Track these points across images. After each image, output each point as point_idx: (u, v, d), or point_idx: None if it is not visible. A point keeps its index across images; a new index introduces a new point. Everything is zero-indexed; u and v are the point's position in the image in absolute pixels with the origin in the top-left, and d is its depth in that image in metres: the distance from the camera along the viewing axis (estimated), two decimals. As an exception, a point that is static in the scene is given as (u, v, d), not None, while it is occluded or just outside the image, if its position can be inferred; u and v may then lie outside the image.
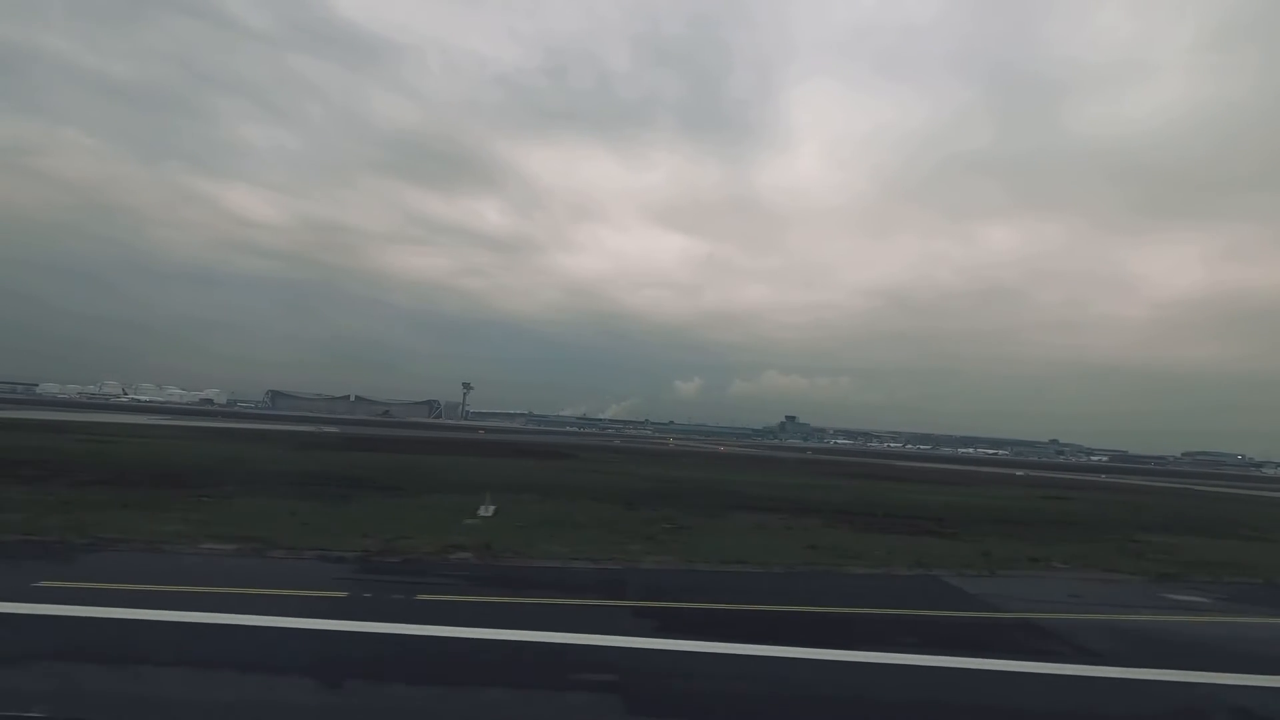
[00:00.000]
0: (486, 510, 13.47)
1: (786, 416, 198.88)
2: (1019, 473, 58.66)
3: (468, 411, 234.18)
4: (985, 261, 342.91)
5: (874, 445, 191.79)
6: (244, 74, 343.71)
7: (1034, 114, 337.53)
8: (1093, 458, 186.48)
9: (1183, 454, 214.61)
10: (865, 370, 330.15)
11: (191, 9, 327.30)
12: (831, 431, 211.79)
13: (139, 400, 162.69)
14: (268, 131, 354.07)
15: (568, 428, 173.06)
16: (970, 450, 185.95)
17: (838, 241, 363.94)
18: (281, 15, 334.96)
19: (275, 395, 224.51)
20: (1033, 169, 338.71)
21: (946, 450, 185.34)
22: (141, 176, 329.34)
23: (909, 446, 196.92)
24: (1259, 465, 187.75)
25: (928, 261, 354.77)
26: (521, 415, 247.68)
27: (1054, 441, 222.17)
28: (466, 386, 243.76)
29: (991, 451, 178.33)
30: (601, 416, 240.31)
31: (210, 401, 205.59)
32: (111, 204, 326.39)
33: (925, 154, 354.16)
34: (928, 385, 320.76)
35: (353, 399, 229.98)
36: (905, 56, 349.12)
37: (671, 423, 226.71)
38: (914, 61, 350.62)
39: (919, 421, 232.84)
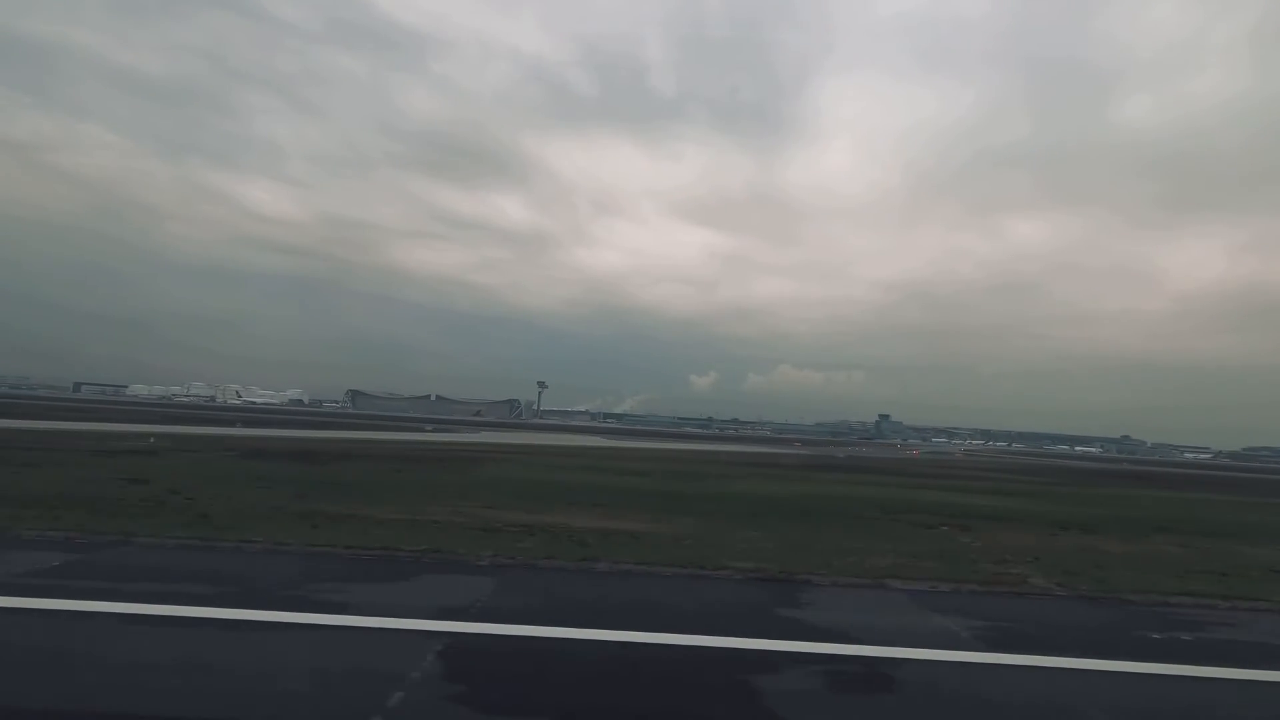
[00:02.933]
0: None
1: (880, 415, 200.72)
2: None
3: (539, 411, 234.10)
4: (1012, 255, 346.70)
5: (957, 444, 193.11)
6: (275, 68, 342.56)
7: (1070, 108, 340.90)
8: (1185, 454, 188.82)
9: (1244, 449, 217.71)
10: (879, 365, 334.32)
11: (227, 2, 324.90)
12: (900, 428, 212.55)
13: (254, 403, 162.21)
14: (294, 127, 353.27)
15: (685, 428, 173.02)
16: (1066, 448, 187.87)
17: (861, 236, 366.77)
18: (318, 8, 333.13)
19: (355, 395, 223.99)
20: (1068, 163, 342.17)
21: (1019, 447, 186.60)
22: (162, 172, 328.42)
23: (991, 444, 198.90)
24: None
25: (950, 256, 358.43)
26: (582, 413, 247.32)
27: (1125, 438, 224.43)
28: (541, 385, 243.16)
29: (1087, 449, 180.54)
30: (677, 414, 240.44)
31: (300, 402, 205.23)
32: (130, 200, 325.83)
33: (958, 148, 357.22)
34: (944, 380, 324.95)
35: (434, 398, 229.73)
36: (943, 50, 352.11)
37: (739, 421, 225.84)
38: (951, 55, 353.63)
39: (939, 417, 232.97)
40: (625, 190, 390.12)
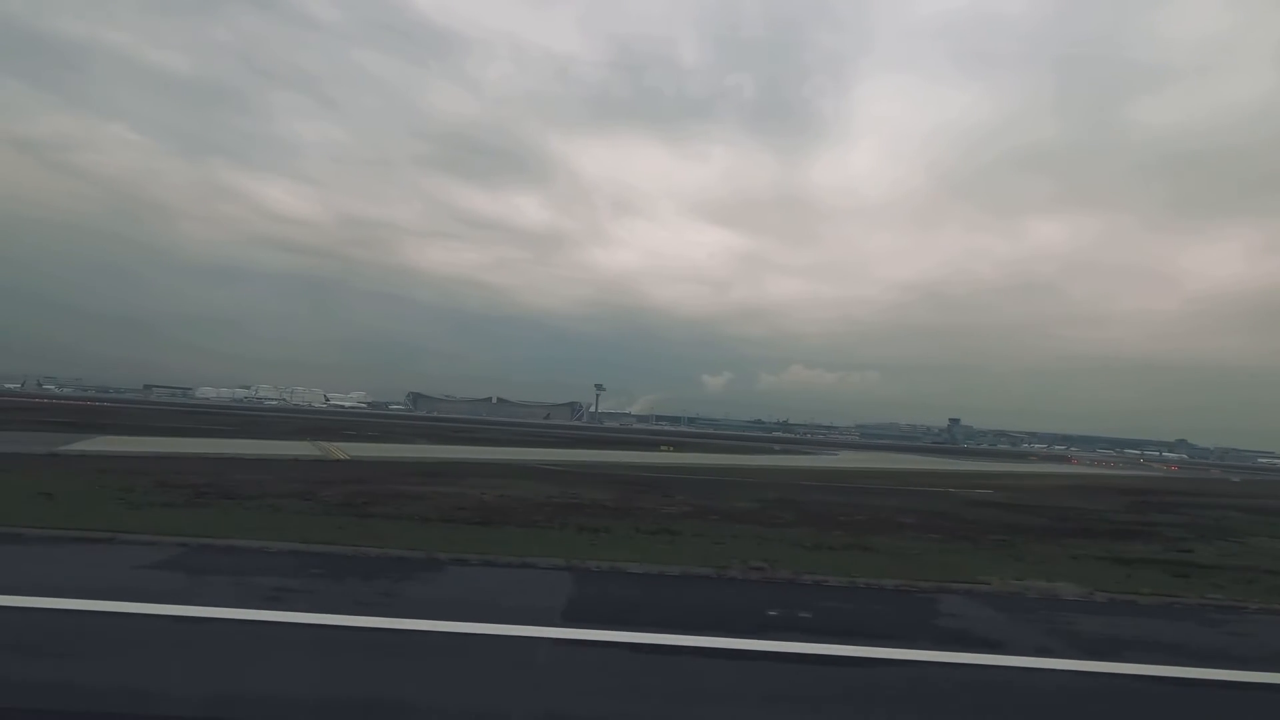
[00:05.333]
0: None
1: (951, 419, 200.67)
2: None
3: (594, 414, 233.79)
4: (1032, 255, 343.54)
5: (1024, 447, 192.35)
6: (304, 67, 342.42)
7: (1097, 109, 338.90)
8: (1259, 460, 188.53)
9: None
10: (892, 365, 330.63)
11: (262, 1, 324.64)
12: (971, 432, 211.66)
13: (343, 407, 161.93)
14: (319, 126, 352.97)
15: (775, 432, 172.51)
16: (1137, 453, 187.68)
17: (880, 236, 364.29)
18: (351, 8, 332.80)
19: (416, 397, 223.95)
20: (1092, 164, 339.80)
21: (1070, 449, 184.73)
22: (182, 172, 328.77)
23: (1055, 448, 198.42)
24: None
25: (969, 256, 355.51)
26: (627, 414, 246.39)
27: (1182, 441, 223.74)
28: (599, 388, 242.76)
29: (1171, 454, 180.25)
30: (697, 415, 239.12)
31: (372, 405, 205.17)
32: (147, 200, 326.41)
33: (982, 148, 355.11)
34: (957, 380, 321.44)
35: (494, 401, 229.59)
36: (976, 50, 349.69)
37: (789, 424, 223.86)
38: (983, 56, 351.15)
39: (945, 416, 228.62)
40: (647, 190, 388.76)
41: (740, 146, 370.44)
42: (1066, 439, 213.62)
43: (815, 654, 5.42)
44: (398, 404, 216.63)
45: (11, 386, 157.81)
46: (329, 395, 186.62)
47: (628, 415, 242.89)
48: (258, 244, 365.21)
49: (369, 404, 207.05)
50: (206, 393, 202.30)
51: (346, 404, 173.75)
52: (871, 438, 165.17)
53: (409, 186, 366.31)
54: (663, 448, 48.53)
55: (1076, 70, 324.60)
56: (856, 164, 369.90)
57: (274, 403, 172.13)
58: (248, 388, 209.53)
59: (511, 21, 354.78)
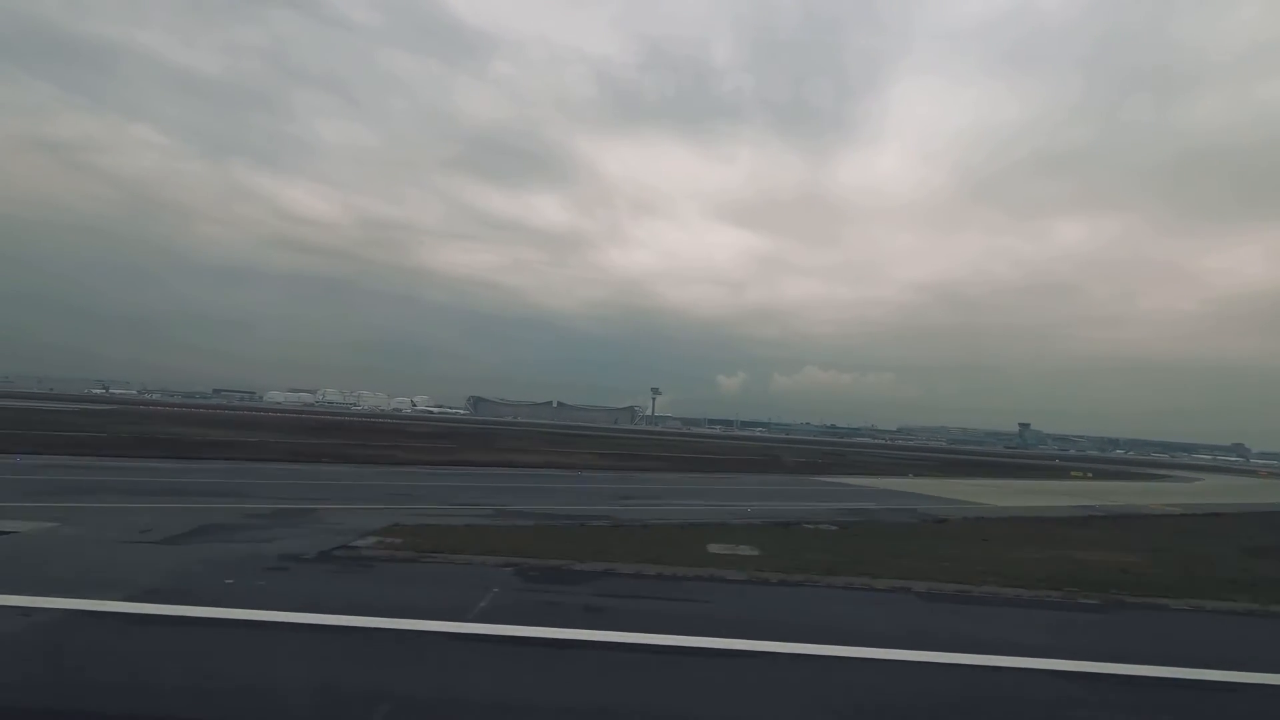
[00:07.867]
0: None
1: (1021, 424, 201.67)
2: None
3: (648, 417, 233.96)
4: (1055, 255, 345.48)
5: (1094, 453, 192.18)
6: (326, 67, 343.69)
7: (1139, 112, 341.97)
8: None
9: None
10: (905, 366, 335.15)
11: (295, 2, 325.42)
12: (1041, 436, 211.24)
13: (430, 413, 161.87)
14: (347, 127, 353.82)
15: (860, 438, 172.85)
16: (1209, 458, 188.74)
17: (899, 237, 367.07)
18: (386, 9, 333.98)
19: (477, 401, 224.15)
20: (1115, 165, 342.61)
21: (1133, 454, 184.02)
22: (207, 173, 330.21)
23: (1123, 453, 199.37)
24: None
25: (987, 256, 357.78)
26: (674, 419, 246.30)
27: (1239, 444, 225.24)
28: (655, 391, 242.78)
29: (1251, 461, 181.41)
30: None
31: (443, 409, 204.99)
32: (168, 201, 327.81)
33: (1012, 149, 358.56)
34: (972, 381, 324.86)
35: (555, 405, 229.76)
36: (1007, 53, 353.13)
37: (837, 428, 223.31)
38: (1015, 58, 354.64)
39: (967, 420, 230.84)
40: (669, 191, 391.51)
41: (768, 147, 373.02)
42: (1114, 442, 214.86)
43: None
44: (459, 408, 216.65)
45: (98, 390, 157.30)
46: (415, 401, 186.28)
47: (670, 419, 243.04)
48: (279, 246, 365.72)
49: (453, 409, 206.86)
50: (275, 397, 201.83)
51: (435, 410, 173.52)
52: (959, 444, 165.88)
53: (431, 188, 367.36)
54: (1075, 474, 43.43)
55: (1117, 71, 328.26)
56: (882, 166, 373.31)
57: (361, 408, 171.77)
58: (311, 391, 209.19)
59: (542, 22, 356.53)
